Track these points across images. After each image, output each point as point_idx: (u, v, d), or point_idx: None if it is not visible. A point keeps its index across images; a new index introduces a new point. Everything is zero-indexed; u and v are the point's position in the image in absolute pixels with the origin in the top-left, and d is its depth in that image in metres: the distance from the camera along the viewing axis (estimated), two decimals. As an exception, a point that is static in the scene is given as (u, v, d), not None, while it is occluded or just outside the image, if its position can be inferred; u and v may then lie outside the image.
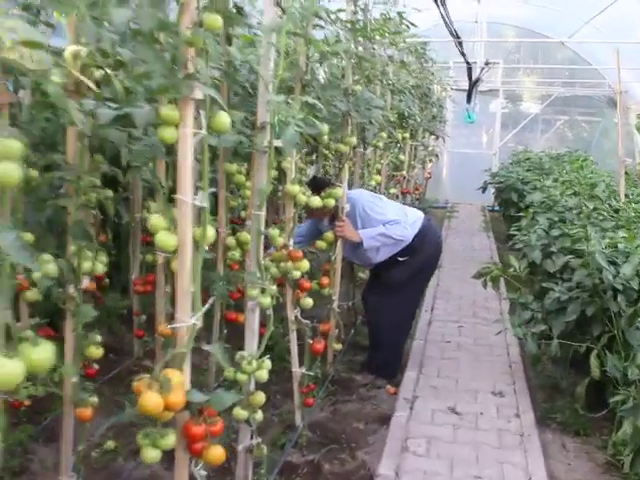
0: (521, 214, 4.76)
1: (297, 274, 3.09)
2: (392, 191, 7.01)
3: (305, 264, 3.12)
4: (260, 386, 2.64)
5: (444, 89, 10.60)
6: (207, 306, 1.87)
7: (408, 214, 4.01)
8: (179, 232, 1.78)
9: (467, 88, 10.47)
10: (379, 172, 5.71)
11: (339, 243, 3.87)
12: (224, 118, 1.81)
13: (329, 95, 3.06)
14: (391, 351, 4.23)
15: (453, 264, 7.52)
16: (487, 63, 9.92)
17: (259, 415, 2.65)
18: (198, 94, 1.71)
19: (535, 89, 13.12)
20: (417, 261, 4.04)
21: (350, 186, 5.34)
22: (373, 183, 4.95)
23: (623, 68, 7.54)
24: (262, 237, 2.56)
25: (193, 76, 1.67)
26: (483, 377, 4.17)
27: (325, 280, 3.87)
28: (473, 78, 10.03)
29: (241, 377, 2.57)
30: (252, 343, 2.67)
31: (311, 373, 3.32)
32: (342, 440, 3.46)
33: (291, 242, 3.12)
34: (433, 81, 8.81)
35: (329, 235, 3.84)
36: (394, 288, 4.09)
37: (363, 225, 3.87)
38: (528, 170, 7.83)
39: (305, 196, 3.09)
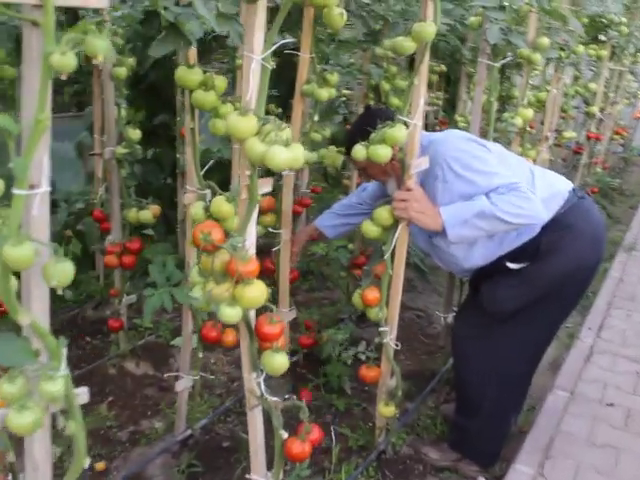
0: None
1: (233, 314, 1.38)
2: (567, 135, 4.87)
3: (258, 289, 1.40)
4: None
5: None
6: None
7: (537, 182, 2.03)
8: None
9: None
10: (541, 104, 3.65)
11: (400, 229, 2.04)
12: None
13: None
14: (492, 421, 2.36)
15: (651, 247, 5.24)
16: None
17: None
18: None
19: None
20: (547, 273, 2.09)
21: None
22: (518, 121, 2.93)
23: None
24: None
25: None
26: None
27: (372, 293, 2.11)
28: None
29: None
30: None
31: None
32: None
33: (247, 239, 1.41)
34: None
35: (382, 213, 2.03)
36: (499, 318, 2.20)
37: (446, 197, 2.00)
38: None
39: (264, 143, 1.33)
